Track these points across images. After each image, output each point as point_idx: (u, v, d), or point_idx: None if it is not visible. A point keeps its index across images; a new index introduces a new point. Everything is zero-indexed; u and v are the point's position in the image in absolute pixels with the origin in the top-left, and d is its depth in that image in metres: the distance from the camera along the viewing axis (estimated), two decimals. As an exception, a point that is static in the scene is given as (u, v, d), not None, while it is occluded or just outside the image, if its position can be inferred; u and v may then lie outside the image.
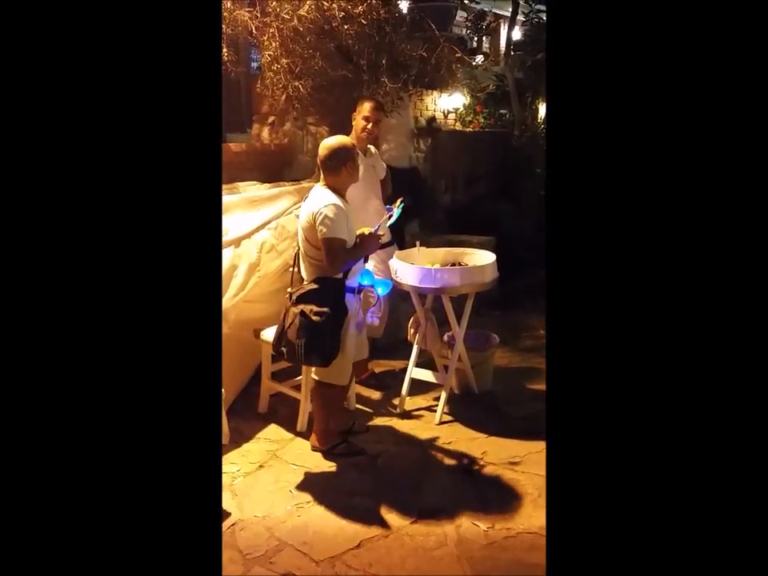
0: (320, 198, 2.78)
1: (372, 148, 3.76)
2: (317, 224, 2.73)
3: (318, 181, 2.94)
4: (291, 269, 3.03)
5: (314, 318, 2.71)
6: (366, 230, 2.97)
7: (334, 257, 2.74)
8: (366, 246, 2.91)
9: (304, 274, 2.90)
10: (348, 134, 3.56)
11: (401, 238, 4.38)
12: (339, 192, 2.85)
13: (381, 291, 3.11)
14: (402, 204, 3.17)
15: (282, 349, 2.82)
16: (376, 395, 3.74)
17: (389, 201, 3.52)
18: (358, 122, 3.61)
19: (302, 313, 2.73)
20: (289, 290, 2.92)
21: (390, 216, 3.12)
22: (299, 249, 2.92)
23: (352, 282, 2.90)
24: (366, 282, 3.00)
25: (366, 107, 3.58)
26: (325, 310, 2.71)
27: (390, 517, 2.58)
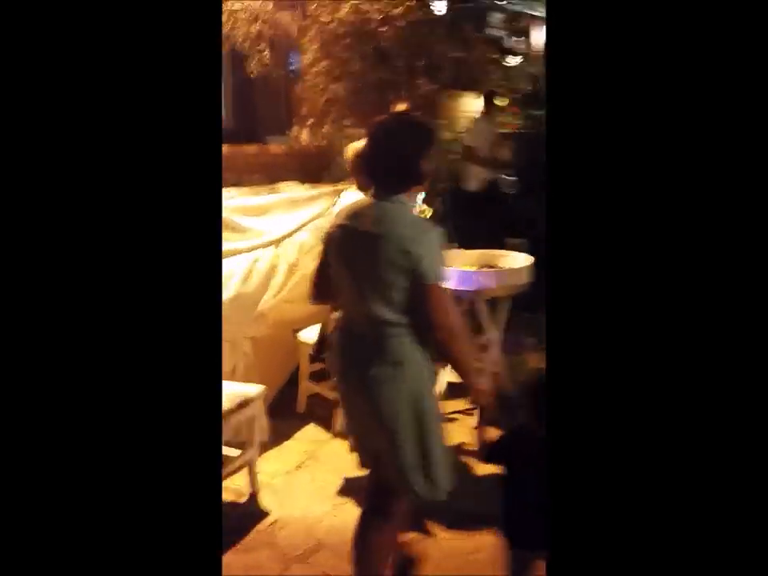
0: None
1: None
2: None
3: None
4: None
5: None
6: None
7: None
8: None
9: None
10: None
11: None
12: None
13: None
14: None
15: (325, 355, 2.83)
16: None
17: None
18: None
19: None
20: None
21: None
22: None
23: None
24: None
25: (400, 110, 3.54)
26: None
27: (427, 520, 2.59)
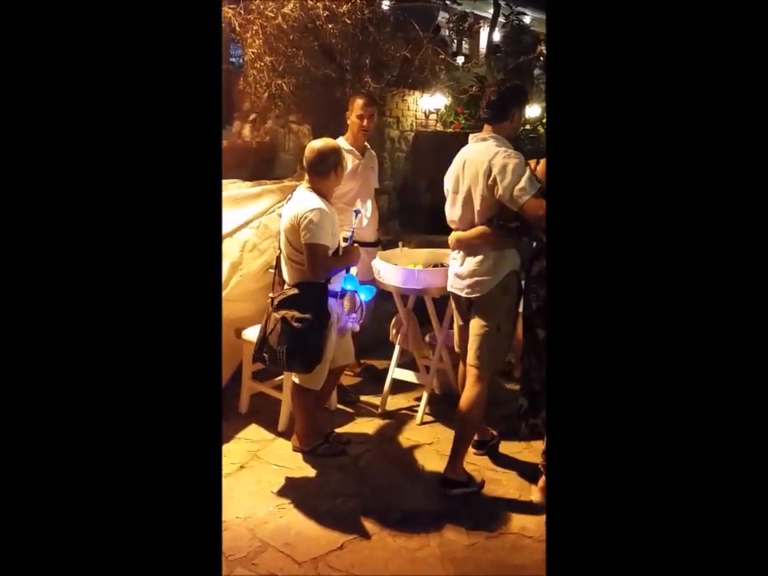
0: (305, 202, 2.73)
1: (368, 147, 3.73)
2: (300, 228, 2.68)
3: (301, 180, 2.91)
4: (272, 271, 2.99)
5: (295, 324, 2.68)
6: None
7: (316, 263, 2.69)
8: (350, 257, 2.86)
9: (286, 277, 2.85)
10: (344, 134, 3.56)
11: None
12: (324, 195, 2.80)
13: (364, 297, 3.10)
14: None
15: (264, 355, 2.79)
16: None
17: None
18: (353, 120, 3.54)
19: (284, 319, 2.69)
20: (271, 294, 2.87)
21: (360, 219, 3.15)
22: (281, 251, 2.88)
23: (335, 286, 2.87)
24: (349, 287, 2.97)
25: (358, 104, 3.51)
26: (306, 316, 2.68)
27: (373, 518, 2.58)
